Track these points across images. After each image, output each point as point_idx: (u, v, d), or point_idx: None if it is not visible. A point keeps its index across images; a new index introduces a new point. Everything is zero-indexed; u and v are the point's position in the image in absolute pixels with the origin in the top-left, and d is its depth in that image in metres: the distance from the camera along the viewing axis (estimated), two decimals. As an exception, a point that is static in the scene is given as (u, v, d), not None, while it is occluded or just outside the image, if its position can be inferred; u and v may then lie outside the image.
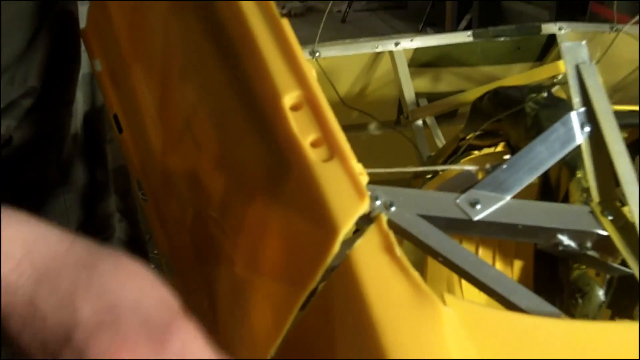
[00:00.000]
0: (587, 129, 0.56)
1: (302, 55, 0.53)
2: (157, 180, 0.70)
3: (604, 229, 0.53)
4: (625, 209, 0.54)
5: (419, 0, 3.82)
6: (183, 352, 0.39)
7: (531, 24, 1.07)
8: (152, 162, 0.71)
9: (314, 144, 0.49)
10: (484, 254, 0.67)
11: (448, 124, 1.02)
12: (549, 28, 1.07)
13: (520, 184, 0.54)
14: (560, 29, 1.07)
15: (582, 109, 0.56)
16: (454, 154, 0.79)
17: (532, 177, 0.54)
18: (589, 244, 0.54)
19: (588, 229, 0.53)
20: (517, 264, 0.67)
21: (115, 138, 0.81)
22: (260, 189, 0.53)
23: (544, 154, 0.55)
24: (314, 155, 0.48)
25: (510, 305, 0.49)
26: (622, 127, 0.85)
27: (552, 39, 1.08)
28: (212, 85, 0.61)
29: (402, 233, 0.51)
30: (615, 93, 1.18)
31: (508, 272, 0.67)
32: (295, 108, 0.50)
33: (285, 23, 0.52)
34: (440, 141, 0.98)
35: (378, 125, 1.06)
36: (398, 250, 0.44)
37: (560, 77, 0.93)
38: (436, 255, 0.51)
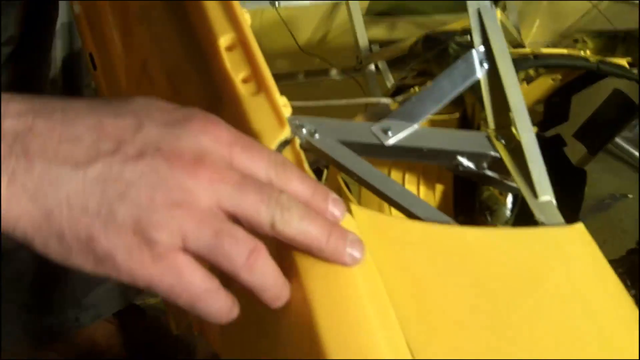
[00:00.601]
0: (485, 65, 0.64)
1: (237, 3, 0.61)
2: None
3: (497, 152, 0.62)
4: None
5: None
6: None
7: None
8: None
9: (244, 80, 0.57)
10: (410, 179, 0.76)
11: (400, 69, 1.09)
12: (496, -21, 1.15)
13: (426, 113, 0.63)
14: (507, -20, 1.15)
15: (482, 48, 0.64)
16: (396, 94, 0.87)
17: (437, 108, 0.63)
18: (485, 165, 0.63)
19: (483, 151, 0.62)
20: (439, 188, 0.75)
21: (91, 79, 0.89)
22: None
23: (447, 87, 0.63)
24: (243, 90, 0.56)
25: (411, 215, 0.57)
26: (552, 67, 0.94)
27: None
28: (163, 30, 0.69)
29: (323, 156, 0.60)
30: (564, 39, 1.26)
31: (431, 195, 0.75)
32: (229, 49, 0.57)
33: None
34: (391, 83, 1.06)
35: (337, 71, 1.14)
36: (306, 165, 0.53)
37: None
38: (352, 174, 0.59)
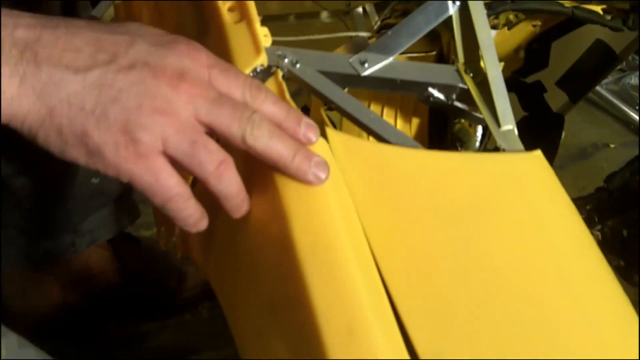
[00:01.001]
0: (457, 2, 0.68)
1: None
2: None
3: (465, 84, 0.66)
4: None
5: None
6: None
7: None
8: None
9: (230, 9, 0.61)
10: (388, 112, 0.80)
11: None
12: None
13: (401, 47, 0.67)
14: None
15: (454, -14, 0.68)
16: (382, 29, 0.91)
17: (411, 42, 0.67)
18: (454, 97, 0.67)
19: (452, 83, 0.66)
20: (415, 121, 0.80)
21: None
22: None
23: (421, 23, 0.67)
24: (228, 18, 0.61)
25: (383, 140, 0.62)
26: (528, 11, 0.97)
27: None
28: None
29: (304, 85, 0.64)
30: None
31: (407, 127, 0.80)
32: None
33: None
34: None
35: (327, 14, 1.18)
36: (287, 95, 0.58)
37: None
38: (330, 102, 0.64)
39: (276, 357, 0.52)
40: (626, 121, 1.73)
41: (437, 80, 0.66)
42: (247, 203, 0.53)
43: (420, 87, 0.67)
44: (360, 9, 1.11)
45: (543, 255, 0.56)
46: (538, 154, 0.61)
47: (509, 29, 1.06)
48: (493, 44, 0.66)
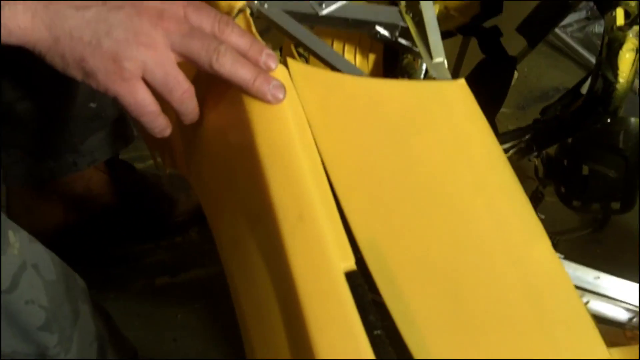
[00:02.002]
0: (401, -45, 0.81)
1: None
2: None
3: (405, 23, 0.79)
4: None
5: None
6: None
7: None
8: None
9: None
10: (349, 49, 0.92)
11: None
12: None
13: (354, -10, 0.80)
14: None
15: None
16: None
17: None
18: (397, 34, 0.80)
19: (395, 22, 0.79)
20: (372, 56, 0.92)
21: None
22: None
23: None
24: None
25: (335, 69, 0.75)
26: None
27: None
28: None
29: (271, 22, 0.77)
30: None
31: (365, 61, 0.92)
32: None
33: None
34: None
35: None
36: (254, 29, 0.70)
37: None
38: (292, 38, 0.77)
39: (248, 254, 0.64)
40: (587, 67, 1.86)
41: (382, 20, 0.79)
42: (197, 115, 0.68)
43: (368, 25, 0.80)
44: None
45: (460, 162, 0.69)
46: (461, 82, 0.75)
47: (465, -22, 1.18)
48: (430, -9, 0.79)
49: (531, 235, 0.63)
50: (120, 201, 1.32)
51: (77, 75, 0.61)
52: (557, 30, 1.91)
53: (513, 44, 1.45)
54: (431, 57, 0.77)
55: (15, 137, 1.17)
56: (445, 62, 0.77)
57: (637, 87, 1.06)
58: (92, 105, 1.15)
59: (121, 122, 1.24)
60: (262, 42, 0.68)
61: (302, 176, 0.61)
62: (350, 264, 0.55)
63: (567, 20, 1.96)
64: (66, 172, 1.21)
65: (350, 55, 0.92)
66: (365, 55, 0.92)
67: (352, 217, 0.60)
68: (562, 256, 0.73)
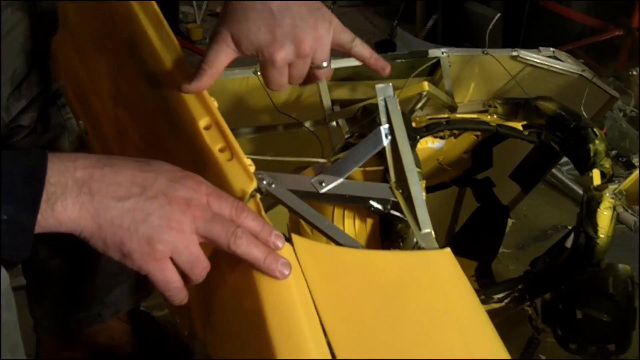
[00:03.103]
0: (389, 137, 0.92)
1: (207, 93, 0.87)
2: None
3: (396, 198, 0.89)
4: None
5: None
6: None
7: (421, 50, 1.42)
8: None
9: (221, 150, 0.84)
10: (348, 214, 1.02)
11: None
12: (435, 52, 1.41)
13: (349, 170, 0.90)
14: (443, 53, 1.42)
15: (387, 125, 0.92)
16: (345, 149, 1.15)
17: (356, 166, 0.90)
18: (389, 207, 0.90)
19: (386, 197, 0.90)
20: (369, 221, 1.01)
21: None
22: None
23: (362, 153, 0.91)
24: (221, 157, 0.83)
25: (334, 241, 0.84)
26: (460, 130, 1.21)
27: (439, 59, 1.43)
28: (149, 113, 0.97)
29: (278, 200, 0.87)
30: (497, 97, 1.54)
31: (364, 226, 1.02)
32: (207, 128, 0.85)
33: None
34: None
35: (311, 123, 1.42)
36: (263, 212, 0.81)
37: (424, 93, 1.29)
38: (297, 214, 0.87)
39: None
40: (583, 203, 1.94)
41: (375, 195, 0.90)
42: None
43: (363, 200, 0.90)
44: (334, 123, 1.35)
45: (443, 322, 0.78)
46: (447, 251, 0.84)
47: (455, 138, 1.29)
48: (415, 168, 0.89)
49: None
50: (140, 351, 1.40)
51: (116, 256, 0.71)
52: (553, 169, 2.02)
53: (509, 188, 1.56)
54: (419, 228, 0.86)
55: (47, 291, 1.27)
56: (432, 233, 0.87)
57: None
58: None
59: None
60: (271, 224, 0.78)
61: (304, 344, 0.69)
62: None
63: (563, 159, 2.07)
64: (92, 323, 1.30)
65: (350, 219, 1.02)
66: (363, 219, 1.02)
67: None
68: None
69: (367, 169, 1.02)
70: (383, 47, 3.20)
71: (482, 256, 1.46)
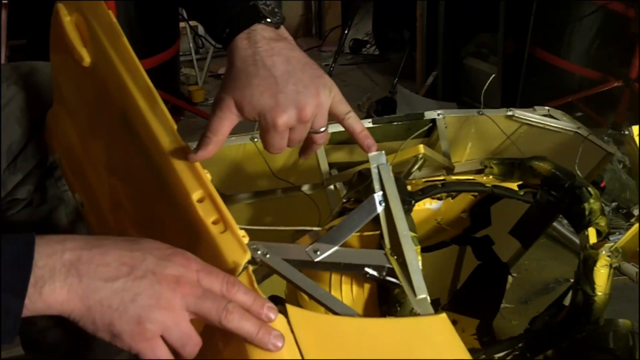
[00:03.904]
0: (383, 204, 0.92)
1: (200, 166, 0.87)
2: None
3: (391, 264, 0.90)
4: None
5: (400, 54, 4.16)
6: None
7: (417, 113, 1.44)
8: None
9: (214, 222, 0.83)
10: (345, 280, 1.03)
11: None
12: (431, 114, 1.43)
13: (344, 237, 0.91)
14: (438, 114, 1.44)
15: (380, 192, 0.93)
16: (342, 214, 1.16)
17: (351, 234, 0.91)
18: (384, 273, 0.91)
19: (382, 264, 0.90)
20: (367, 286, 1.02)
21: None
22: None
23: (357, 220, 0.92)
24: (215, 230, 0.82)
25: (330, 310, 0.85)
26: (456, 192, 1.22)
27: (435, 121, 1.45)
28: (143, 185, 0.98)
29: (273, 270, 0.88)
30: (495, 157, 1.55)
31: (361, 291, 1.02)
32: (200, 200, 0.85)
33: (188, 146, 0.88)
34: (347, 199, 1.36)
35: (309, 186, 1.44)
36: (256, 284, 0.81)
37: (420, 155, 1.30)
38: (292, 283, 0.87)
39: None
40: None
41: (370, 262, 0.90)
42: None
43: (358, 267, 0.90)
44: (332, 186, 1.37)
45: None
46: (442, 316, 0.84)
47: (452, 199, 1.30)
48: (409, 234, 0.90)
49: None
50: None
51: (106, 337, 0.71)
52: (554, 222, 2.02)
53: (509, 244, 1.56)
54: (415, 294, 0.87)
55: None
56: (428, 298, 0.87)
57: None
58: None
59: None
60: (263, 297, 0.78)
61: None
62: None
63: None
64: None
65: (347, 285, 1.02)
66: (361, 285, 1.02)
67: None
68: None
69: (364, 233, 1.02)
70: (384, 104, 3.24)
71: (483, 314, 1.45)
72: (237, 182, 1.45)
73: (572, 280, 1.92)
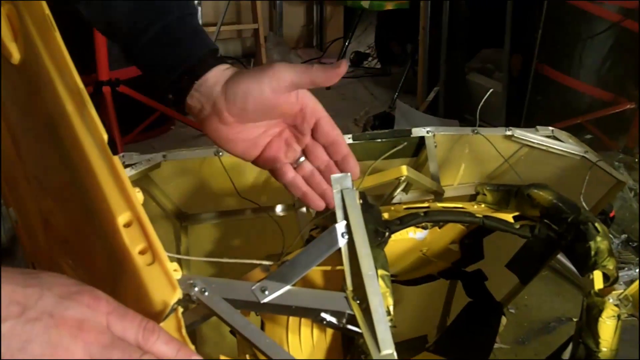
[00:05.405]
0: (346, 237, 0.77)
1: (130, 184, 0.74)
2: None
3: (352, 310, 0.75)
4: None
5: (402, 68, 4.04)
6: None
7: (403, 129, 1.28)
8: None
9: (141, 252, 0.70)
10: (305, 322, 0.88)
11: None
12: (418, 131, 1.29)
13: (297, 276, 0.76)
14: (427, 132, 1.29)
15: (343, 222, 0.78)
16: (309, 241, 1.01)
17: (306, 271, 0.76)
18: (344, 320, 0.75)
19: (342, 310, 0.75)
20: (330, 331, 0.87)
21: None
22: (106, 283, 0.74)
23: (314, 255, 0.76)
24: (140, 261, 0.69)
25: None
26: (440, 222, 1.07)
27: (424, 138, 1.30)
28: (70, 202, 0.84)
29: (210, 310, 0.73)
30: (491, 181, 1.40)
31: (323, 336, 0.87)
32: (127, 225, 0.71)
33: (117, 160, 0.74)
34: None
35: (283, 207, 1.29)
36: (184, 330, 0.66)
37: (403, 178, 1.15)
38: (231, 327, 0.73)
39: None
40: (590, 293, 1.78)
41: (328, 307, 0.75)
42: None
43: (314, 312, 0.75)
44: (304, 209, 1.21)
45: None
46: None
47: (439, 228, 1.15)
48: (375, 274, 0.75)
49: None
50: None
51: None
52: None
53: (505, 278, 1.40)
54: (379, 349, 0.71)
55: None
56: (395, 354, 0.71)
57: None
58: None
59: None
60: (192, 346, 0.64)
61: None
62: None
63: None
64: None
65: (307, 327, 0.87)
66: (323, 328, 0.87)
67: None
68: None
69: (328, 268, 0.87)
70: (381, 120, 3.09)
71: (473, 355, 1.30)
72: (202, 200, 1.30)
73: (575, 320, 1.78)
